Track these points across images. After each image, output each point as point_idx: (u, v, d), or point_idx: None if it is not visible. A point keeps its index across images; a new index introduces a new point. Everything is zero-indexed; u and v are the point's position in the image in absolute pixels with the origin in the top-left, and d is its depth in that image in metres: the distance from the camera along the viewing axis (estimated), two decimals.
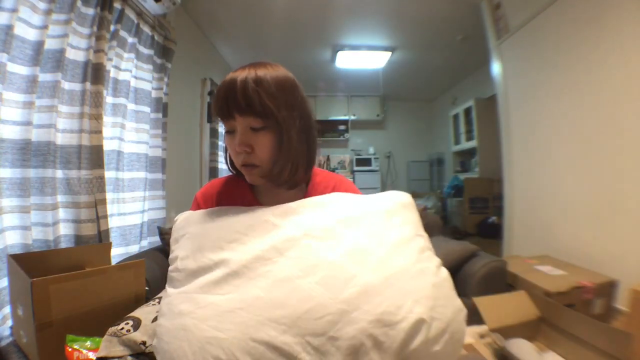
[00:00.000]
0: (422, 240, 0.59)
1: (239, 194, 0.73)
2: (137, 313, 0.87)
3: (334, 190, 0.72)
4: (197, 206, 0.75)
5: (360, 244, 0.53)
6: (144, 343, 0.77)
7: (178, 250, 0.61)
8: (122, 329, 0.79)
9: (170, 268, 0.61)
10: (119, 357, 0.76)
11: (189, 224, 0.65)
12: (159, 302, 0.93)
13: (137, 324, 0.81)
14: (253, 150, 0.61)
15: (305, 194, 0.71)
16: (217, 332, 0.44)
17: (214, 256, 0.54)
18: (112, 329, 0.80)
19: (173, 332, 0.48)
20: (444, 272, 0.55)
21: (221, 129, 3.28)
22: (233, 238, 0.56)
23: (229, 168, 0.74)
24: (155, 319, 0.82)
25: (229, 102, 0.58)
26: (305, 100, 0.66)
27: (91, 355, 0.77)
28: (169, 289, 0.57)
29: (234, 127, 0.61)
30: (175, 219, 0.70)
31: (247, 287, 0.49)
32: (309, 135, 0.66)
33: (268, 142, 0.61)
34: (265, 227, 0.56)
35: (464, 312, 0.52)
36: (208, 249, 0.56)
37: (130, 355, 0.76)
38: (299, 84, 0.65)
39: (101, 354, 0.76)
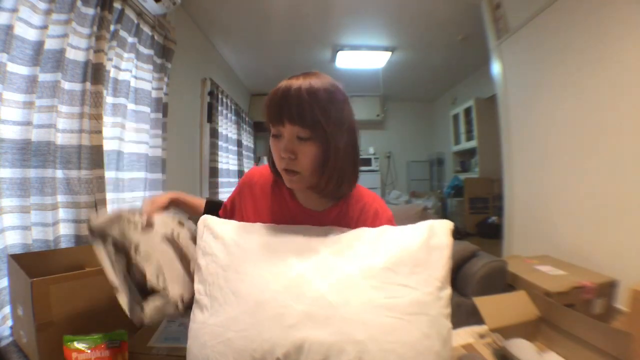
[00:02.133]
0: (439, 306, 0.57)
1: (280, 194, 0.77)
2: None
3: (362, 210, 0.73)
4: (236, 193, 0.82)
5: (374, 303, 0.54)
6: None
7: (204, 272, 0.64)
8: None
9: (196, 286, 0.64)
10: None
11: (217, 244, 0.66)
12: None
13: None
14: (296, 157, 0.63)
15: (336, 205, 0.74)
16: None
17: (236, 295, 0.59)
18: None
19: None
20: (447, 352, 0.55)
21: (223, 130, 3.28)
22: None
23: (271, 169, 0.76)
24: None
25: (281, 109, 0.60)
26: (353, 114, 0.68)
27: (89, 353, 0.77)
28: (195, 312, 0.61)
29: (282, 132, 0.63)
30: (200, 222, 0.71)
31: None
32: (355, 150, 0.69)
33: (312, 153, 0.63)
34: (296, 285, 0.58)
35: None
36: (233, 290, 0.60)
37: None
38: (347, 97, 0.66)
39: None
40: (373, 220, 0.73)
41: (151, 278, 0.66)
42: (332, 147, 0.63)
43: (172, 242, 0.77)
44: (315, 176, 0.66)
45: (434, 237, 0.61)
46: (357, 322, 0.52)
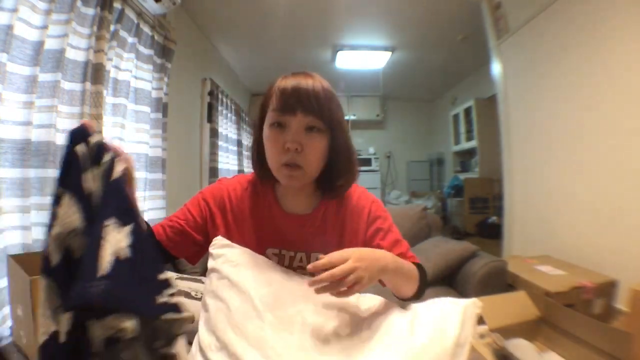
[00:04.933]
0: None
1: (263, 203, 0.71)
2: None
3: (354, 210, 0.72)
4: (201, 207, 0.70)
5: None
6: None
7: (212, 304, 0.59)
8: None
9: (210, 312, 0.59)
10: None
11: (228, 278, 0.61)
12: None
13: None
14: (302, 150, 0.61)
15: (321, 204, 0.71)
16: None
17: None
18: None
19: None
20: None
21: (223, 130, 3.27)
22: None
23: (255, 167, 0.71)
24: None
25: (300, 98, 0.60)
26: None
27: None
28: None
29: (288, 122, 0.61)
30: (214, 241, 0.66)
31: None
32: (352, 150, 0.70)
33: (320, 145, 0.63)
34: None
35: None
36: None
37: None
38: None
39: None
40: (368, 223, 0.71)
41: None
42: (337, 143, 0.65)
43: None
44: (315, 174, 0.65)
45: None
46: None
